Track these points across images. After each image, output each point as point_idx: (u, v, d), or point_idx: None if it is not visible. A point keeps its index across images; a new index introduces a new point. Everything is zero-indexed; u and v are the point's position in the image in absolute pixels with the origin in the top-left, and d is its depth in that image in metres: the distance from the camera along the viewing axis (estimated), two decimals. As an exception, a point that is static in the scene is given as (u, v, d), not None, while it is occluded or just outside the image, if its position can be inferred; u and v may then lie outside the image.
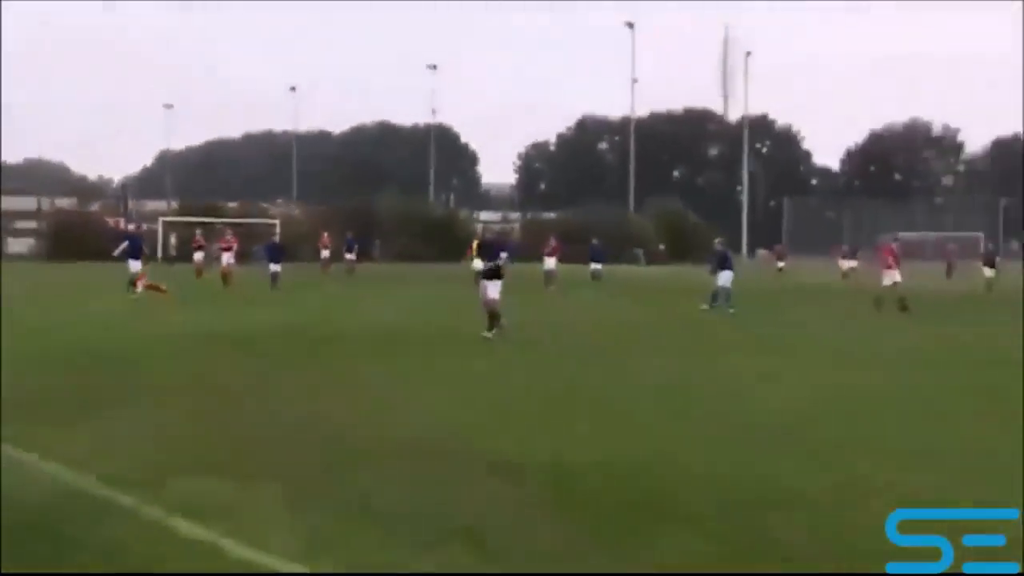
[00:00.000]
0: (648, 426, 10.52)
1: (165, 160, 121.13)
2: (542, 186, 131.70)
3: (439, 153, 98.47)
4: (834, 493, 7.61)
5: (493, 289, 19.26)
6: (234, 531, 6.44)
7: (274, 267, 35.50)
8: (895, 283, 28.24)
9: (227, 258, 36.63)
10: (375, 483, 7.83)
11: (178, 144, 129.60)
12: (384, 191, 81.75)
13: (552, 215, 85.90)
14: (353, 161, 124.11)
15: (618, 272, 52.11)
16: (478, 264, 23.97)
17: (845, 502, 7.37)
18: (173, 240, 61.58)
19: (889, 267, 28.97)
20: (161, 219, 63.50)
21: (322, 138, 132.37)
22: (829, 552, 6.18)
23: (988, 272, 38.69)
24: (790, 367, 15.62)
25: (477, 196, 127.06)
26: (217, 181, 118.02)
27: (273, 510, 7.04)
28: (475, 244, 30.12)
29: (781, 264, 57.45)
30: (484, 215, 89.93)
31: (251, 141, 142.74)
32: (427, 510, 7.06)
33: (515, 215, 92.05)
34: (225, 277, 35.43)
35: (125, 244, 32.17)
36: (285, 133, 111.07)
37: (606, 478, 8.05)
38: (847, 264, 53.29)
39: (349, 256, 48.33)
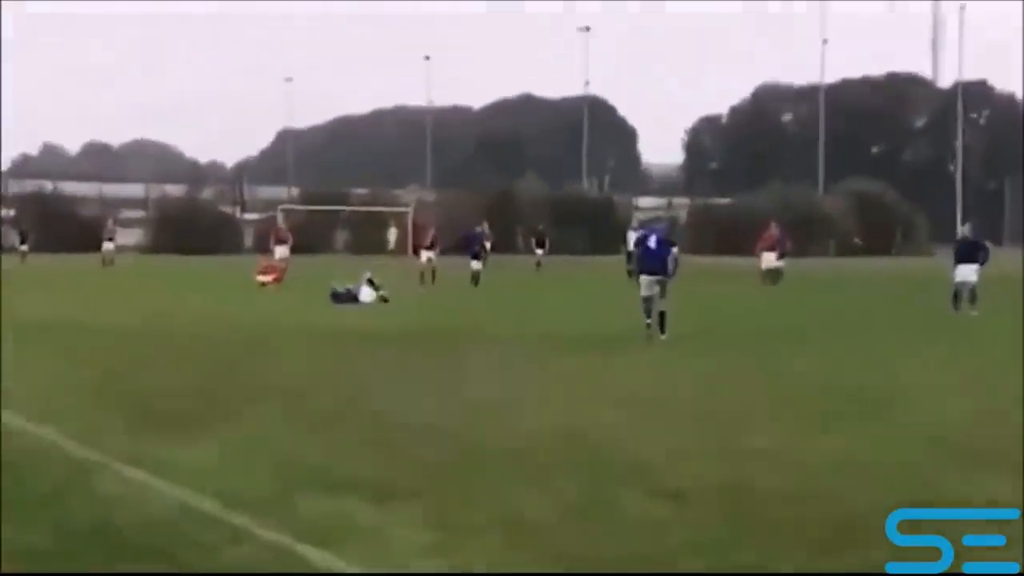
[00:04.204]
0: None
1: (286, 140, 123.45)
2: (712, 166, 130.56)
3: (592, 130, 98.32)
4: None
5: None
6: (376, 560, 6.47)
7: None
8: None
9: (430, 255, 37.58)
10: (522, 500, 7.87)
11: (301, 123, 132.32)
12: (528, 173, 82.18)
13: (725, 200, 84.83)
14: (494, 139, 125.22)
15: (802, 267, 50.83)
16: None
17: None
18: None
19: None
20: (280, 208, 63.91)
21: (459, 113, 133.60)
22: None
23: None
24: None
25: (636, 179, 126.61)
26: (344, 164, 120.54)
27: (418, 536, 7.01)
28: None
29: None
30: (644, 201, 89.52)
31: (381, 117, 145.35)
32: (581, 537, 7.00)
33: (681, 200, 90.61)
34: (433, 273, 36.69)
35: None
36: (419, 108, 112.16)
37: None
38: None
39: (540, 251, 50.09)
